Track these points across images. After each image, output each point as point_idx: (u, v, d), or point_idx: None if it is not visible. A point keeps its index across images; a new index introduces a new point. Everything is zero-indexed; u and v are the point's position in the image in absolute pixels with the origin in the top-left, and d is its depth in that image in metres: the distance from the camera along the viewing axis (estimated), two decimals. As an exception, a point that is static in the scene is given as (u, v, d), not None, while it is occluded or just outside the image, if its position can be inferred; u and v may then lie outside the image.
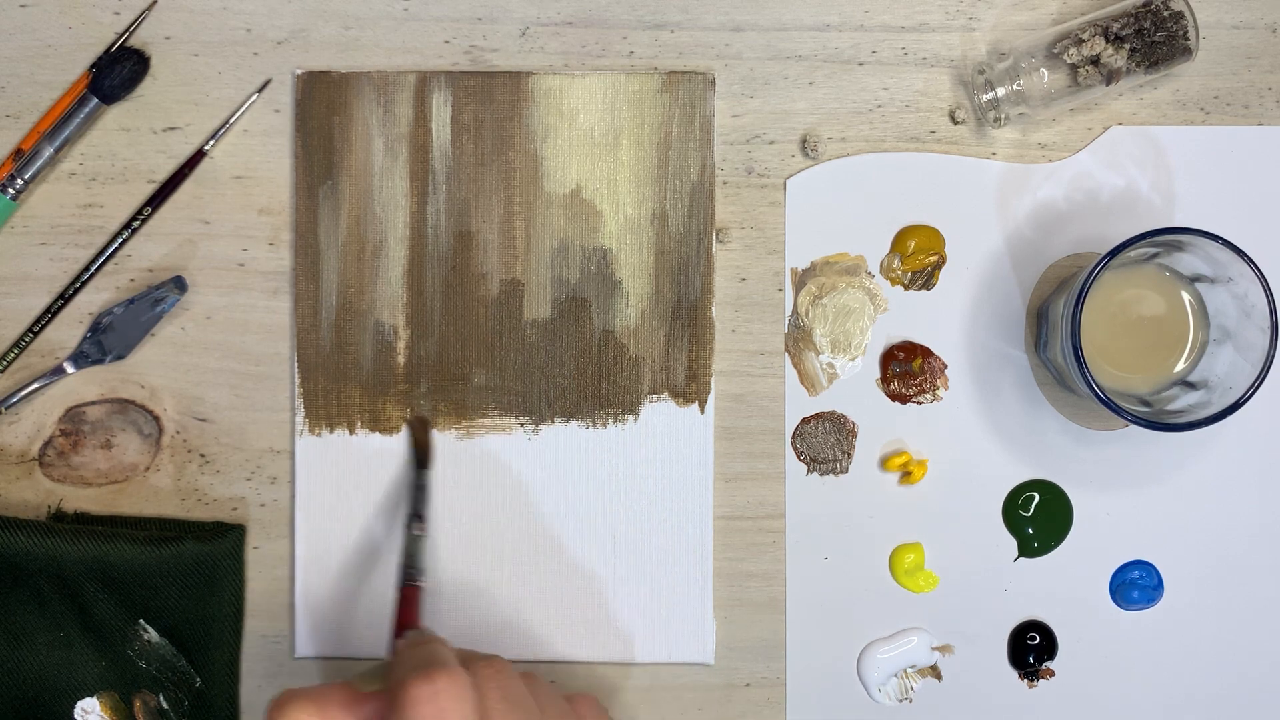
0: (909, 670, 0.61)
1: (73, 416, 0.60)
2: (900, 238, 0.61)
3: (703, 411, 0.61)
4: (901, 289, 0.61)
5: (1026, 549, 0.61)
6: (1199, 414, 0.54)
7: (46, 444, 0.60)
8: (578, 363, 0.61)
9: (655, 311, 0.61)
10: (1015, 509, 0.61)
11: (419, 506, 0.56)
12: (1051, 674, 0.61)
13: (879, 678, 0.61)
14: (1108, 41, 0.58)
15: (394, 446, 0.60)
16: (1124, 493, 0.61)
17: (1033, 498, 0.61)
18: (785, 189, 0.61)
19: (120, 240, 0.60)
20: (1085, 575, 0.61)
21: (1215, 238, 0.53)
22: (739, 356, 0.61)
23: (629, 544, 0.60)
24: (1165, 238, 0.54)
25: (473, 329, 0.61)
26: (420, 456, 0.58)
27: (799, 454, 0.61)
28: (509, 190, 0.61)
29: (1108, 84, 0.58)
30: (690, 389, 0.61)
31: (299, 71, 0.61)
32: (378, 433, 0.60)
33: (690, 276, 0.61)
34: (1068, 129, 0.61)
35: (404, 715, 0.45)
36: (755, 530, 0.61)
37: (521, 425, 0.61)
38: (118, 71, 0.60)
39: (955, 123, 0.61)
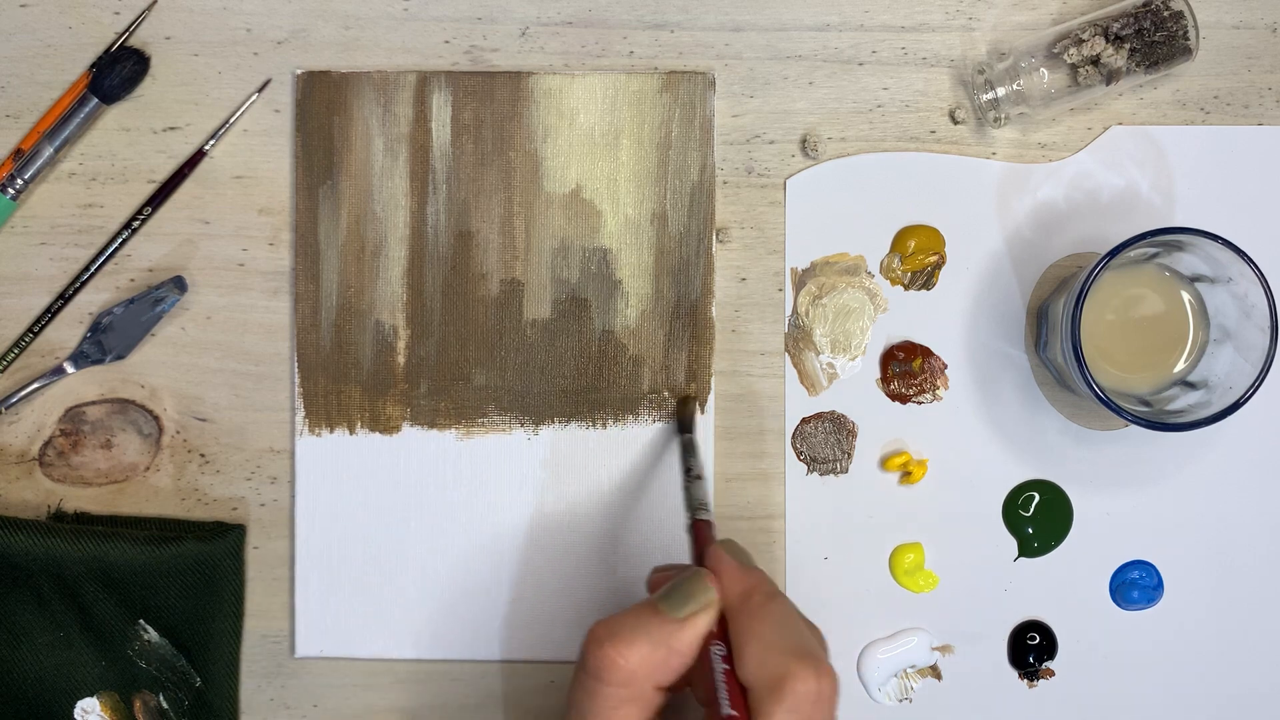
0: (909, 670, 0.61)
1: (73, 416, 0.60)
2: (900, 238, 0.61)
3: (703, 411, 0.61)
4: (901, 289, 0.61)
5: (1026, 549, 0.61)
6: (1199, 414, 0.54)
7: (46, 444, 0.60)
8: (578, 363, 0.61)
9: (655, 311, 0.61)
10: (1015, 509, 0.61)
11: (689, 461, 0.57)
12: (1051, 674, 0.61)
13: (879, 678, 0.61)
14: (1108, 41, 0.58)
15: (394, 446, 0.60)
16: (1124, 493, 0.61)
17: (1033, 498, 0.61)
18: (785, 189, 0.61)
19: (120, 240, 0.60)
20: (1085, 575, 0.61)
21: (1215, 238, 0.53)
22: (739, 356, 0.61)
23: (629, 544, 0.60)
24: (1165, 238, 0.54)
25: (473, 329, 0.61)
26: (683, 424, 0.60)
27: (799, 454, 0.61)
28: (509, 190, 0.61)
29: (1108, 84, 0.58)
30: (690, 389, 0.61)
31: (299, 71, 0.61)
32: (378, 433, 0.60)
33: (690, 276, 0.61)
34: (1068, 129, 0.61)
35: (782, 701, 0.44)
36: (755, 530, 0.61)
37: (521, 425, 0.61)
38: (118, 71, 0.60)
39: (955, 123, 0.61)
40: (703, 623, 0.47)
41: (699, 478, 0.56)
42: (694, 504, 0.54)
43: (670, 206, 0.61)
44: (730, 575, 0.49)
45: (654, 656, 0.46)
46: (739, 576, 0.49)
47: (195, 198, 0.61)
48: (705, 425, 0.61)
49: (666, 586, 0.49)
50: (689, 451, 0.58)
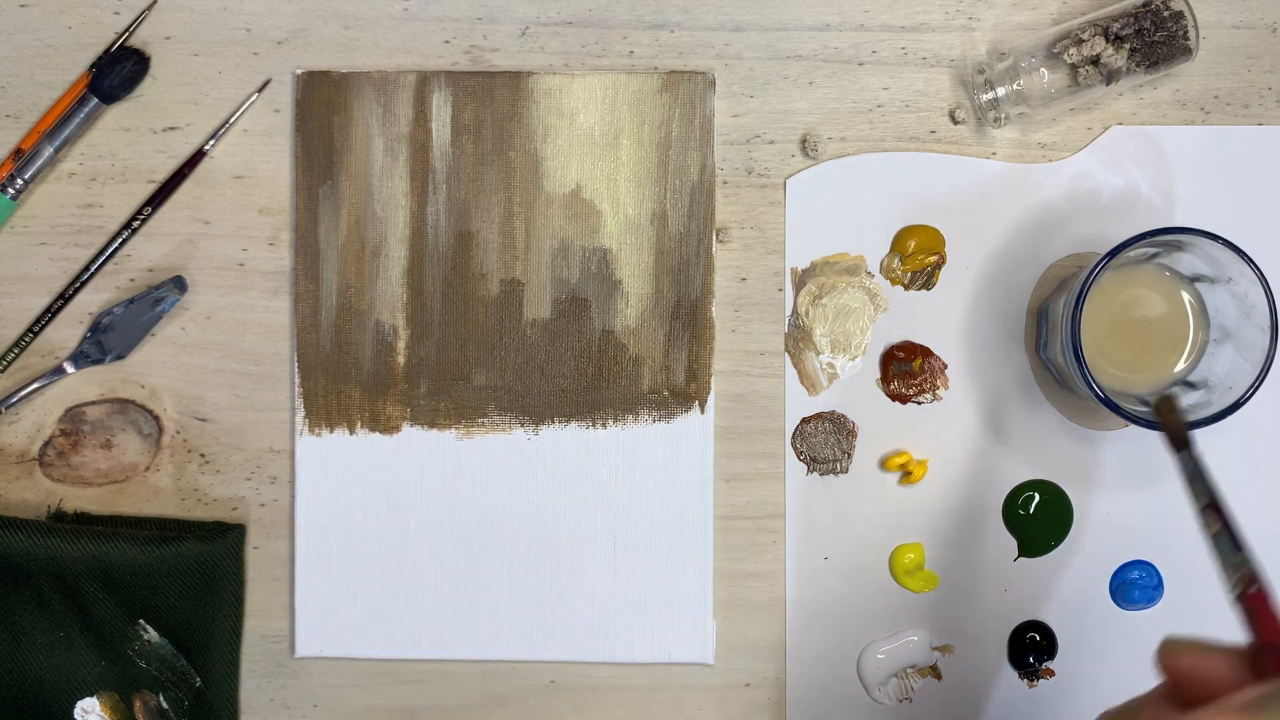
0: (909, 670, 0.61)
1: (73, 416, 0.60)
2: (900, 238, 0.61)
3: (703, 411, 0.61)
4: (901, 289, 0.61)
5: (1026, 549, 0.61)
6: (1199, 414, 0.54)
7: (46, 444, 0.60)
8: (578, 363, 0.61)
9: (655, 311, 0.61)
10: (1015, 509, 0.61)
11: (1200, 496, 0.44)
12: (1051, 674, 0.61)
13: (879, 678, 0.61)
14: (1108, 41, 0.58)
15: (394, 446, 0.60)
16: (1124, 493, 0.61)
17: (1033, 498, 0.61)
18: (785, 189, 0.61)
19: (120, 240, 0.60)
20: (1085, 575, 0.61)
21: (1215, 238, 0.53)
22: (739, 356, 0.61)
23: (629, 544, 0.60)
24: (1165, 238, 0.54)
25: (473, 329, 0.61)
26: (1178, 437, 0.46)
27: (799, 454, 0.61)
28: (509, 190, 0.61)
29: (1108, 84, 0.58)
30: (690, 389, 0.61)
31: (299, 71, 0.61)
32: (378, 433, 0.60)
33: (690, 276, 0.61)
34: (1068, 129, 0.61)
35: None
36: (755, 530, 0.61)
37: (521, 425, 0.61)
38: (118, 71, 0.60)
39: (955, 123, 0.61)
40: None
41: (1220, 530, 0.42)
42: (1235, 565, 0.42)
43: (670, 206, 0.61)
44: None
45: None
46: None
47: (195, 198, 0.61)
48: (705, 425, 0.60)
49: (1258, 693, 0.39)
50: (1196, 479, 0.45)
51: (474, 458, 0.61)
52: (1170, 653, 0.44)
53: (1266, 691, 0.39)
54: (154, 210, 0.61)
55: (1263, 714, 0.39)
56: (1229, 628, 0.61)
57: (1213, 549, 0.43)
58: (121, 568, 0.58)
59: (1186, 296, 0.57)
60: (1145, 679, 0.61)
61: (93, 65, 0.60)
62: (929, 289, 0.61)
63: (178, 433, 0.61)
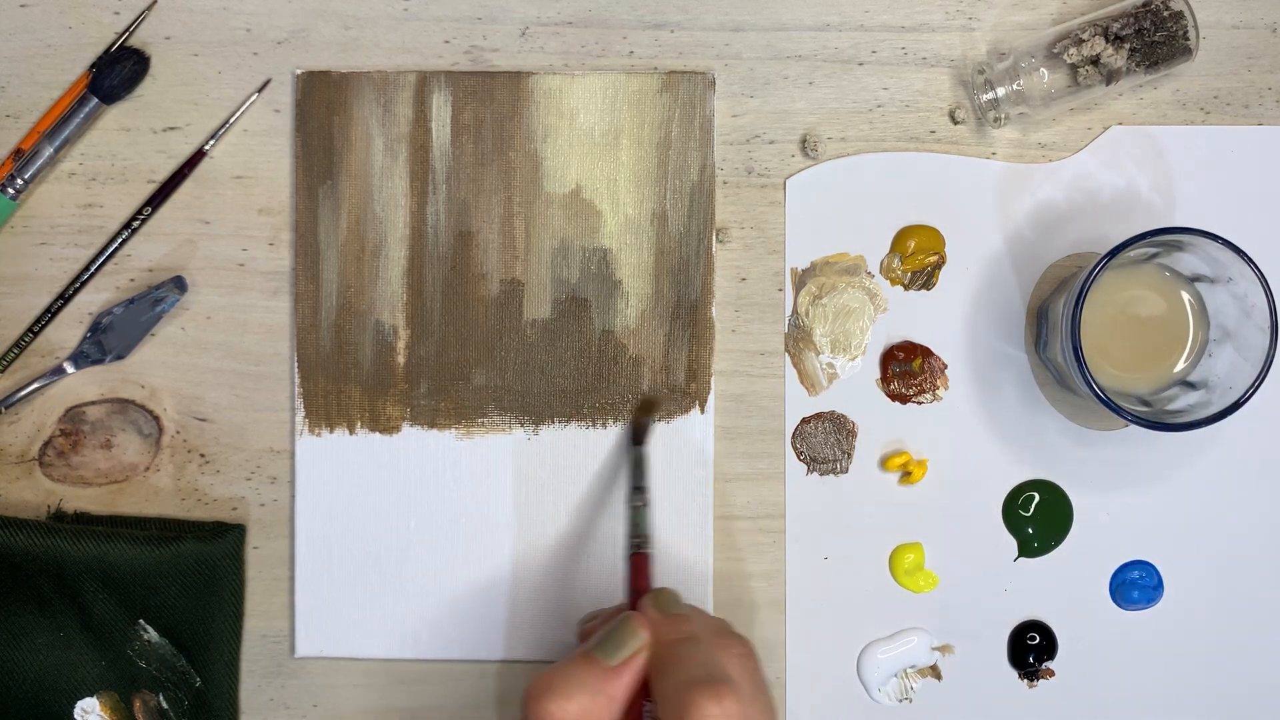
0: (909, 670, 0.61)
1: (73, 416, 0.61)
2: (900, 238, 0.61)
3: (703, 411, 0.61)
4: (901, 289, 0.61)
5: (1026, 549, 0.61)
6: (1199, 414, 0.54)
7: (46, 444, 0.60)
8: (578, 363, 0.61)
9: (655, 311, 0.61)
10: (1015, 509, 0.61)
11: (639, 480, 0.57)
12: (1051, 674, 0.61)
13: (879, 678, 0.61)
14: (1108, 41, 0.58)
15: (394, 446, 0.60)
16: (1124, 493, 0.61)
17: (1033, 498, 0.61)
18: (785, 189, 0.61)
19: (120, 240, 0.60)
20: (1085, 575, 0.61)
21: (1215, 238, 0.53)
22: (739, 356, 0.61)
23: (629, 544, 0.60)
24: (1165, 238, 0.54)
25: (473, 329, 0.61)
26: (637, 434, 0.59)
27: (799, 454, 0.61)
28: (509, 190, 0.61)
29: (1108, 84, 0.58)
30: (690, 389, 0.61)
31: (299, 71, 0.61)
32: (378, 433, 0.61)
33: (690, 276, 0.61)
34: (1068, 129, 0.61)
35: None
36: (755, 530, 0.61)
37: (521, 425, 0.61)
38: (118, 71, 0.60)
39: (955, 123, 0.61)
40: (635, 666, 0.48)
41: (641, 506, 0.56)
42: (638, 533, 0.55)
43: (670, 206, 0.61)
44: (653, 625, 0.50)
45: (594, 706, 0.47)
46: (658, 625, 0.50)
47: (195, 198, 0.61)
48: (705, 425, 0.60)
49: (599, 634, 0.49)
50: (639, 468, 0.58)
51: (474, 458, 0.61)
52: (579, 627, 0.56)
53: (604, 630, 0.49)
54: (154, 210, 0.61)
55: (599, 648, 0.48)
56: (1228, 627, 0.62)
57: (629, 518, 0.55)
58: (121, 568, 0.58)
59: (1186, 296, 0.57)
60: (1145, 679, 0.61)
61: (93, 65, 0.60)
62: (929, 289, 0.61)
63: (178, 433, 0.61)
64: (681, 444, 0.60)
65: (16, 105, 0.61)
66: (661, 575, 0.60)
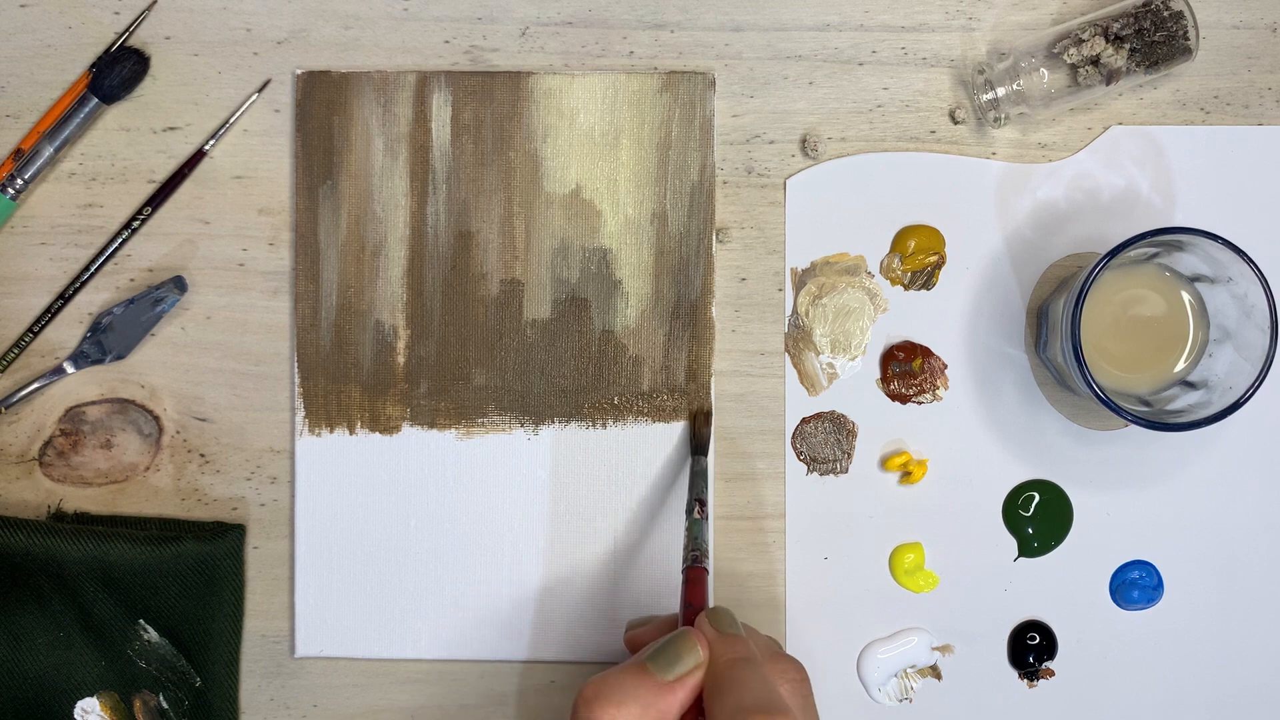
0: (909, 670, 0.61)
1: (73, 416, 0.61)
2: (900, 238, 0.61)
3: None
4: (901, 289, 0.61)
5: (1026, 549, 0.61)
6: (1199, 414, 0.54)
7: (46, 444, 0.60)
8: (578, 363, 0.61)
9: (655, 311, 0.61)
10: (1015, 509, 0.61)
11: (699, 491, 0.56)
12: (1051, 674, 0.61)
13: (879, 678, 0.61)
14: (1108, 41, 0.58)
15: (394, 446, 0.60)
16: (1124, 493, 0.61)
17: (1033, 498, 0.61)
18: (785, 189, 0.61)
19: (120, 240, 0.60)
20: (1085, 575, 0.61)
21: (1215, 238, 0.53)
22: (739, 356, 0.61)
23: (629, 544, 0.60)
24: (1165, 238, 0.54)
25: (473, 329, 0.61)
26: (698, 445, 0.59)
27: (799, 454, 0.61)
28: (509, 190, 0.61)
29: (1108, 84, 0.58)
30: (690, 389, 0.61)
31: (299, 71, 0.61)
32: (378, 433, 0.61)
33: (690, 276, 0.61)
34: (1068, 129, 0.61)
35: None
36: (755, 530, 0.61)
37: (521, 425, 0.61)
38: (118, 71, 0.60)
39: (955, 123, 0.61)
40: (690, 684, 0.48)
41: (701, 520, 0.55)
42: (696, 546, 0.54)
43: (670, 206, 0.61)
44: (712, 644, 0.49)
45: (644, 718, 0.47)
46: (715, 643, 0.49)
47: (195, 198, 0.61)
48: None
49: (654, 648, 0.49)
50: (701, 480, 0.58)
51: (474, 458, 0.61)
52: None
53: (660, 642, 0.49)
54: (154, 210, 0.61)
55: (654, 660, 0.48)
56: (1228, 627, 0.62)
57: (689, 530, 0.55)
58: (121, 568, 0.58)
59: (1186, 296, 0.57)
60: (1145, 679, 0.61)
61: (93, 65, 0.60)
62: (929, 289, 0.61)
63: (178, 433, 0.61)
64: (681, 444, 0.60)
65: (16, 105, 0.61)
66: (661, 575, 0.60)
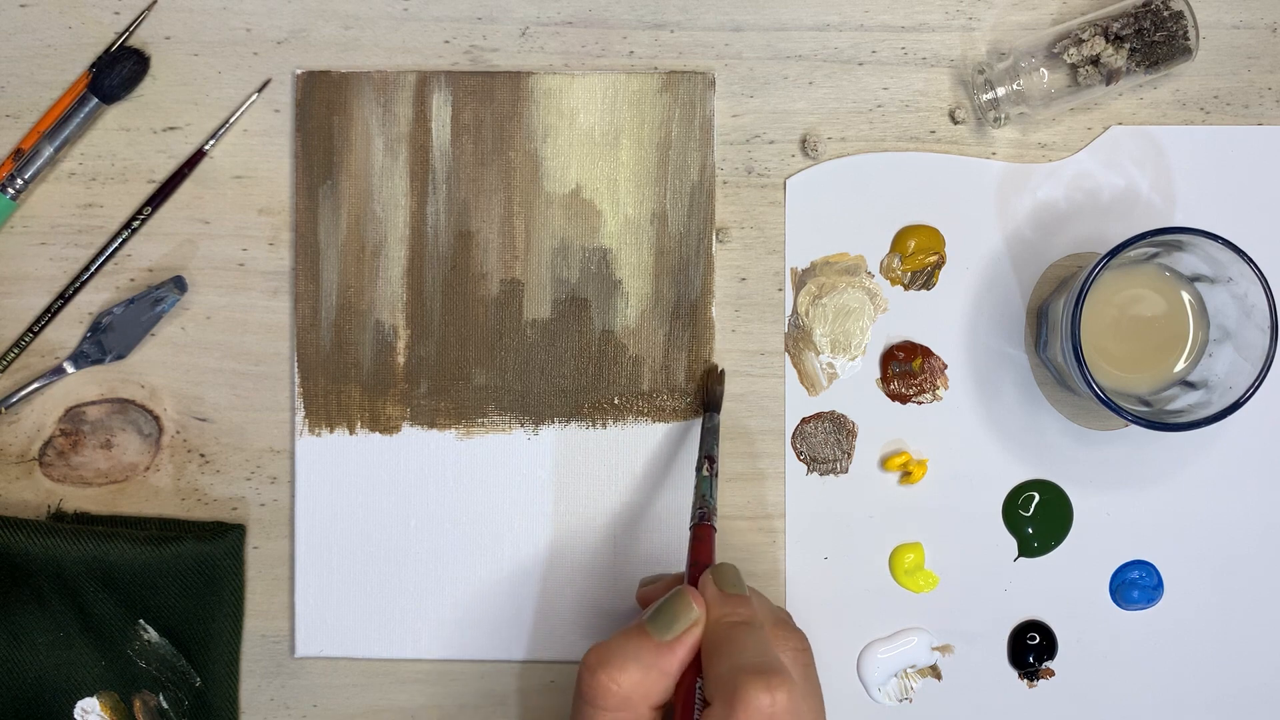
0: (909, 670, 0.61)
1: (73, 416, 0.61)
2: (900, 238, 0.61)
3: (703, 411, 0.61)
4: (901, 289, 0.61)
5: (1026, 549, 0.61)
6: (1199, 414, 0.54)
7: (46, 444, 0.60)
8: (578, 363, 0.61)
9: (655, 311, 0.61)
10: (1015, 509, 0.61)
11: (709, 449, 0.56)
12: (1051, 674, 0.61)
13: (879, 678, 0.61)
14: (1108, 41, 0.58)
15: (394, 446, 0.60)
16: (1124, 493, 0.61)
17: (1033, 498, 0.61)
18: (785, 189, 0.61)
19: (120, 240, 0.60)
20: (1085, 575, 0.61)
21: (1215, 238, 0.53)
22: (739, 356, 0.61)
23: (629, 544, 0.60)
24: (1165, 238, 0.54)
25: (473, 329, 0.61)
26: (711, 402, 0.59)
27: (799, 454, 0.61)
28: (509, 190, 0.61)
29: (1108, 84, 0.58)
30: (690, 389, 0.61)
31: (299, 71, 0.61)
32: (378, 433, 0.61)
33: (690, 276, 0.61)
34: (1068, 129, 0.61)
35: (734, 715, 0.46)
36: (755, 530, 0.61)
37: (521, 425, 0.61)
38: (118, 71, 0.60)
39: (955, 123, 0.61)
40: (689, 642, 0.49)
41: (709, 476, 0.55)
42: (705, 503, 0.54)
43: (670, 206, 0.61)
44: (710, 602, 0.50)
45: (646, 679, 0.48)
46: (716, 602, 0.50)
47: (195, 198, 0.61)
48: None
49: (653, 608, 0.50)
50: (712, 438, 0.57)
51: (474, 458, 0.61)
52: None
53: (659, 603, 0.50)
54: (154, 210, 0.61)
55: (652, 621, 0.49)
56: (1228, 627, 0.62)
57: (697, 486, 0.55)
58: (121, 568, 0.58)
59: (1186, 296, 0.57)
60: (1145, 679, 0.61)
61: (93, 65, 0.60)
62: (929, 289, 0.61)
63: (178, 433, 0.61)
64: (681, 444, 0.60)
65: (16, 105, 0.61)
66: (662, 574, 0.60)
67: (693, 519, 0.54)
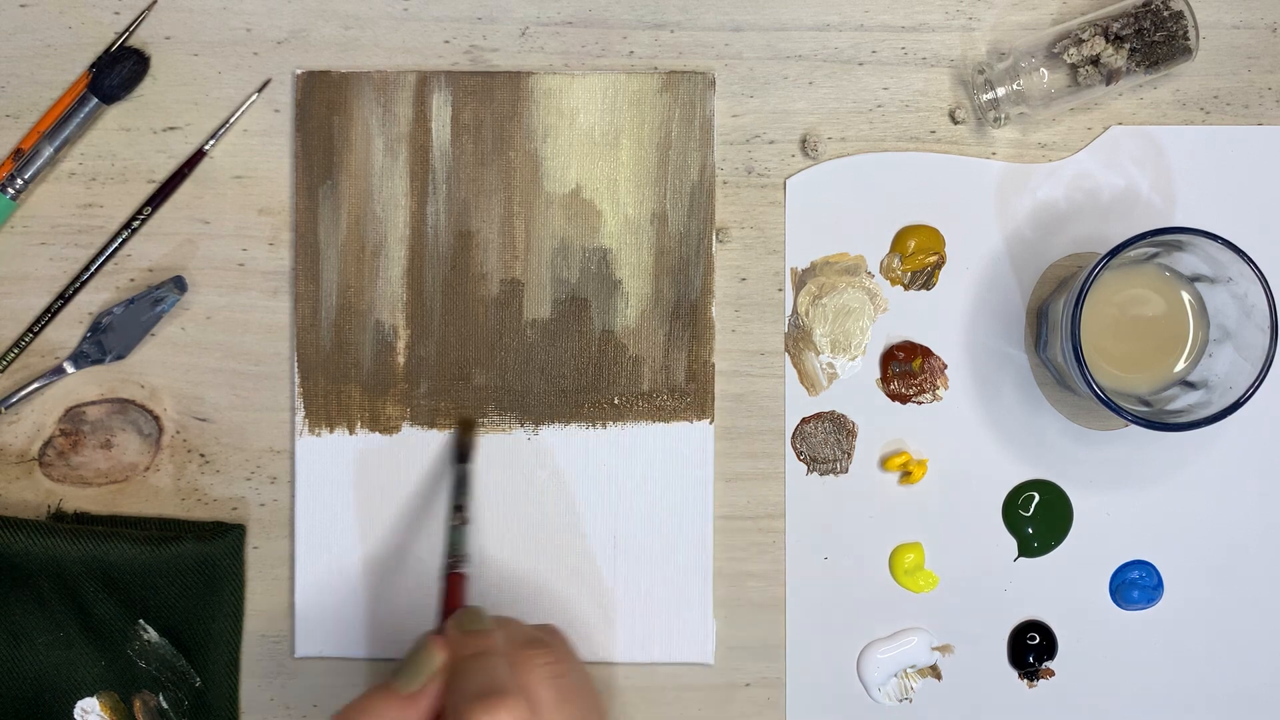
0: (909, 670, 0.61)
1: (73, 416, 0.60)
2: (900, 238, 0.61)
3: (703, 412, 0.60)
4: (901, 289, 0.61)
5: (1026, 549, 0.61)
6: (1199, 414, 0.54)
7: (46, 444, 0.60)
8: (578, 363, 0.61)
9: (655, 311, 0.61)
10: (1015, 509, 0.61)
11: (460, 498, 0.57)
12: (1051, 674, 0.61)
13: (879, 678, 0.61)
14: (1108, 41, 0.58)
15: (394, 446, 0.61)
16: (1124, 493, 0.61)
17: (1033, 498, 0.61)
18: (785, 189, 0.61)
19: (120, 240, 0.60)
20: (1085, 575, 0.61)
21: (1215, 238, 0.53)
22: (739, 356, 0.61)
23: (629, 544, 0.60)
24: (1165, 238, 0.54)
25: (473, 329, 0.61)
26: (462, 451, 0.60)
27: (799, 454, 0.61)
28: (509, 190, 0.61)
29: (1108, 84, 0.58)
30: (690, 389, 0.61)
31: (299, 71, 0.61)
32: (378, 433, 0.60)
33: (690, 276, 0.61)
34: (1068, 129, 0.61)
35: None
36: (755, 530, 0.61)
37: (521, 425, 0.61)
38: (118, 71, 0.60)
39: (955, 123, 0.61)
40: (433, 690, 0.49)
41: (459, 526, 0.56)
42: (454, 552, 0.55)
43: (670, 206, 0.61)
44: (452, 645, 0.50)
45: None
46: (458, 644, 0.50)
47: (195, 198, 0.61)
48: (705, 425, 0.60)
49: (400, 663, 0.50)
50: (462, 487, 0.58)
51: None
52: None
53: (406, 655, 0.50)
54: (154, 210, 0.61)
55: (398, 675, 0.49)
56: (1228, 627, 0.62)
57: (447, 536, 0.56)
58: (121, 568, 0.58)
59: (1186, 296, 0.57)
60: (1145, 679, 0.61)
61: (93, 65, 0.60)
62: (929, 289, 0.61)
63: (178, 433, 0.61)
64: (681, 444, 0.60)
65: (16, 105, 0.61)
66: (660, 575, 0.60)
67: (444, 568, 0.54)
